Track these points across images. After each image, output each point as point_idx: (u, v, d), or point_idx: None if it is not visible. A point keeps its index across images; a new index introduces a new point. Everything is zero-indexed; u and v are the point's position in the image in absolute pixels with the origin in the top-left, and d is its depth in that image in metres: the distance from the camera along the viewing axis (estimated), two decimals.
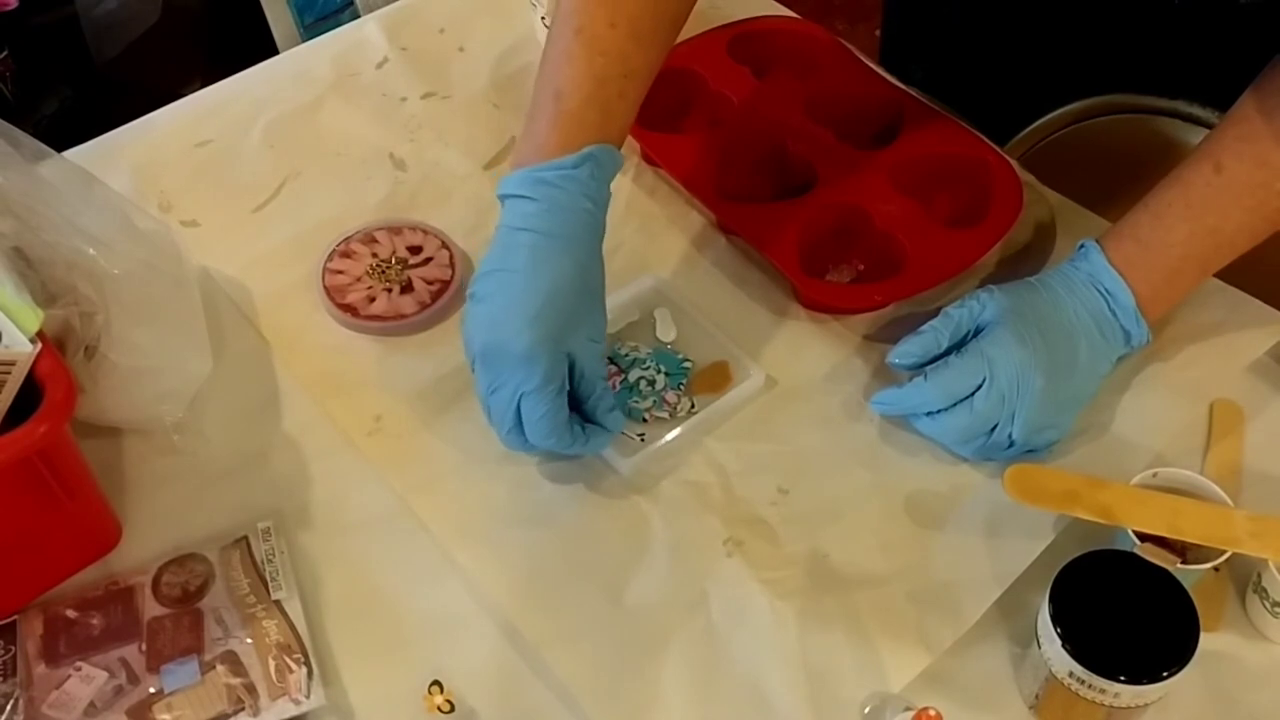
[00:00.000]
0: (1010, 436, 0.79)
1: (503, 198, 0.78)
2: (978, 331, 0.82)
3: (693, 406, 0.85)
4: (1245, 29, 0.96)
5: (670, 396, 0.85)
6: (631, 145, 1.01)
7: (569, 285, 0.75)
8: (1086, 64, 1.09)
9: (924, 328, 0.83)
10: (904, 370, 0.83)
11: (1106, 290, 0.81)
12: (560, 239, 0.76)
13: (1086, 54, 1.09)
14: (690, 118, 1.04)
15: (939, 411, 0.80)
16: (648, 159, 1.01)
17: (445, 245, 0.94)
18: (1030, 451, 0.81)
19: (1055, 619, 0.66)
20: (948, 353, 0.82)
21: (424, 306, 0.90)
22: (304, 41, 1.19)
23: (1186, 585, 0.67)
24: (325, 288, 0.91)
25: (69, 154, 0.97)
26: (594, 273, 0.78)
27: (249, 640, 0.73)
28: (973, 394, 0.79)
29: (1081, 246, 0.84)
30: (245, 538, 0.78)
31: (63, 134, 0.95)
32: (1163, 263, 0.82)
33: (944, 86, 1.08)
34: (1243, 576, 0.77)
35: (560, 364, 0.75)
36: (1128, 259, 0.82)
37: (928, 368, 0.81)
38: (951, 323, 0.82)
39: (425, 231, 0.95)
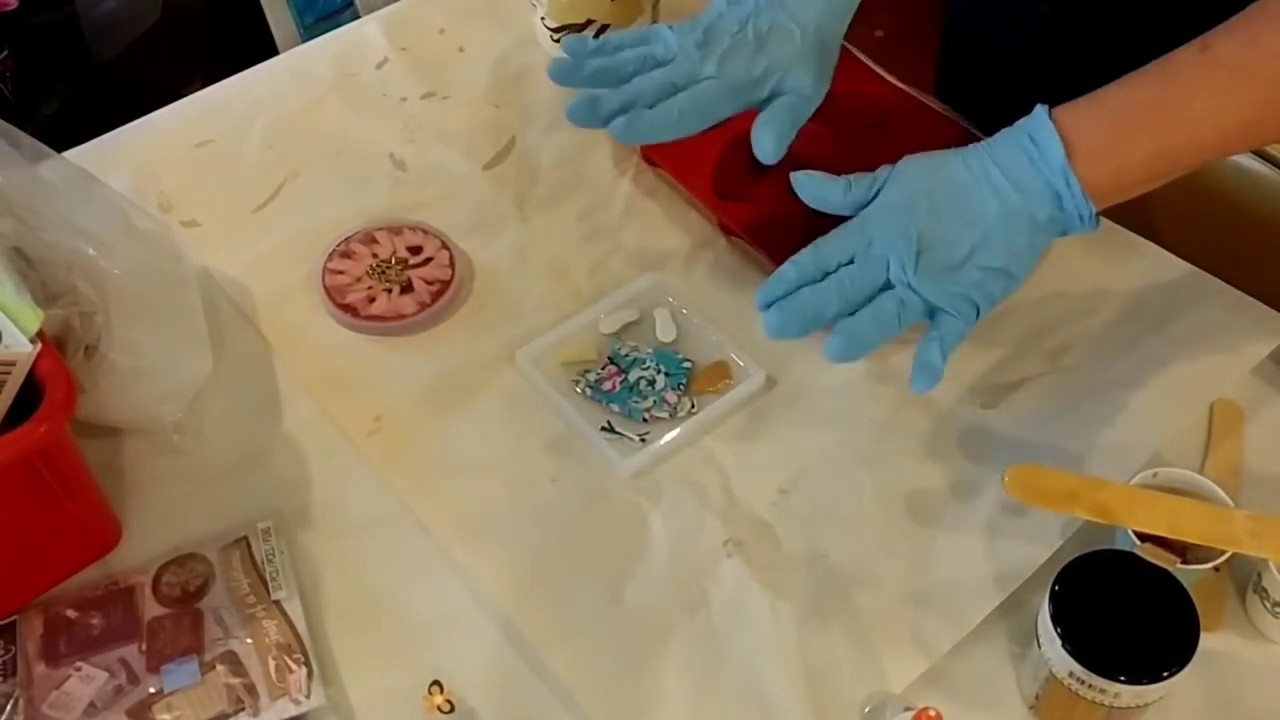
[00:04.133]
0: (909, 288, 0.73)
1: None
2: None
3: (693, 406, 0.85)
4: None
5: (670, 396, 0.85)
6: (631, 145, 1.01)
7: None
8: (1087, 63, 1.09)
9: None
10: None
11: (1033, 140, 0.73)
12: None
13: (1087, 53, 1.09)
14: None
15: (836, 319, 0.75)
16: (648, 159, 1.01)
17: (445, 245, 0.94)
18: (944, 317, 0.74)
19: (1055, 619, 0.66)
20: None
21: (424, 306, 0.90)
22: (304, 41, 1.19)
23: (1186, 585, 0.67)
24: (325, 288, 0.91)
25: (69, 154, 0.98)
26: None
27: (249, 640, 0.73)
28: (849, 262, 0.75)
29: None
30: (245, 538, 0.78)
31: (63, 134, 0.95)
32: (1111, 117, 0.73)
33: (946, 88, 1.08)
34: (1243, 576, 0.77)
35: None
36: (1073, 111, 0.74)
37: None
38: (857, 186, 0.78)
39: (425, 231, 0.95)
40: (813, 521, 0.80)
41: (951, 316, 0.74)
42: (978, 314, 0.75)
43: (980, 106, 1.02)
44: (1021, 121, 0.75)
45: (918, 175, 0.76)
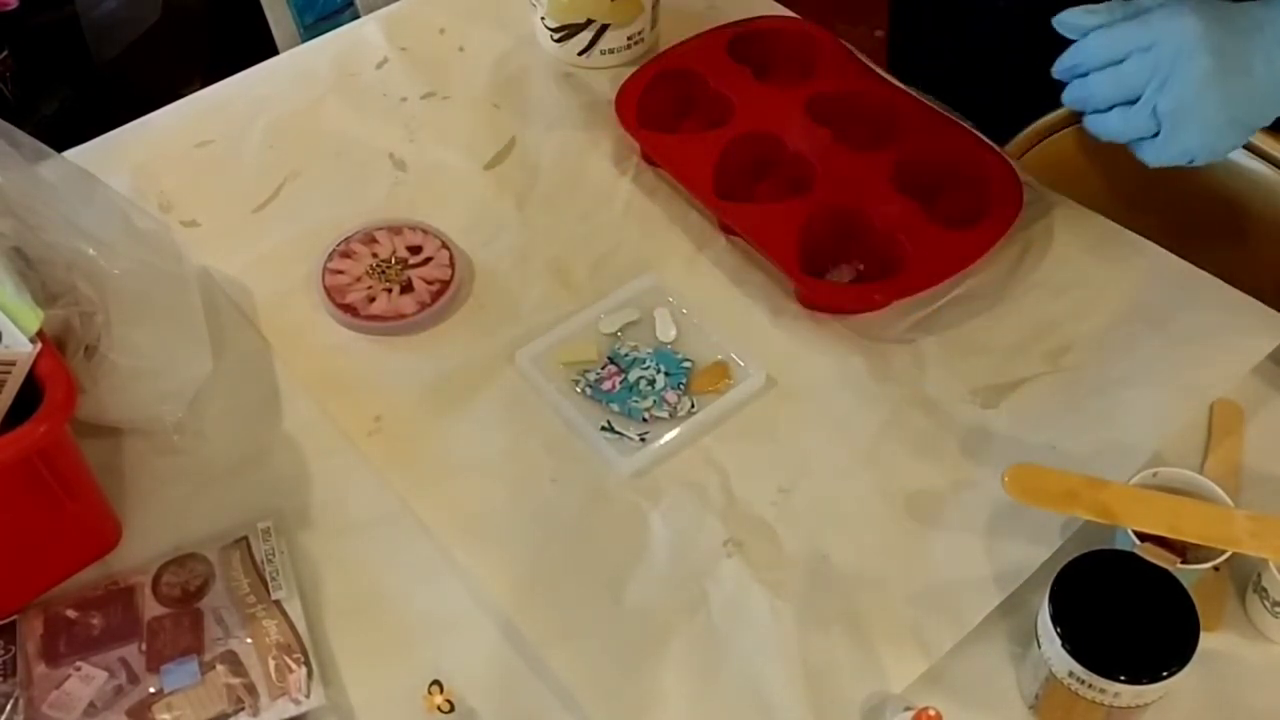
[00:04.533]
0: (1156, 111, 0.77)
1: None
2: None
3: (693, 406, 0.85)
4: None
5: (670, 396, 0.85)
6: (631, 145, 1.01)
7: None
8: (1039, 43, 1.09)
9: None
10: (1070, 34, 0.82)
11: None
12: None
13: (1039, 33, 1.09)
14: (690, 118, 1.04)
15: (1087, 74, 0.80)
16: (648, 159, 1.01)
17: (445, 245, 0.94)
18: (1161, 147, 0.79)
19: (1055, 619, 0.66)
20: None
21: (424, 306, 0.90)
22: (304, 41, 1.19)
23: (1186, 585, 0.67)
24: (325, 288, 0.91)
25: (69, 154, 0.98)
26: None
27: (249, 640, 0.73)
28: (1125, 58, 0.78)
29: None
30: (245, 538, 0.78)
31: (63, 134, 0.95)
32: None
33: (944, 87, 1.08)
34: (1243, 576, 0.77)
35: None
36: None
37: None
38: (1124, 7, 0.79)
39: (425, 231, 0.95)
40: (813, 521, 0.80)
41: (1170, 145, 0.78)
42: (1188, 161, 0.78)
43: (931, 86, 1.02)
44: (1269, 11, 0.76)
45: (1214, 6, 0.76)
